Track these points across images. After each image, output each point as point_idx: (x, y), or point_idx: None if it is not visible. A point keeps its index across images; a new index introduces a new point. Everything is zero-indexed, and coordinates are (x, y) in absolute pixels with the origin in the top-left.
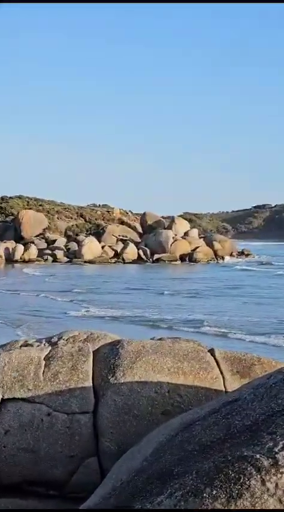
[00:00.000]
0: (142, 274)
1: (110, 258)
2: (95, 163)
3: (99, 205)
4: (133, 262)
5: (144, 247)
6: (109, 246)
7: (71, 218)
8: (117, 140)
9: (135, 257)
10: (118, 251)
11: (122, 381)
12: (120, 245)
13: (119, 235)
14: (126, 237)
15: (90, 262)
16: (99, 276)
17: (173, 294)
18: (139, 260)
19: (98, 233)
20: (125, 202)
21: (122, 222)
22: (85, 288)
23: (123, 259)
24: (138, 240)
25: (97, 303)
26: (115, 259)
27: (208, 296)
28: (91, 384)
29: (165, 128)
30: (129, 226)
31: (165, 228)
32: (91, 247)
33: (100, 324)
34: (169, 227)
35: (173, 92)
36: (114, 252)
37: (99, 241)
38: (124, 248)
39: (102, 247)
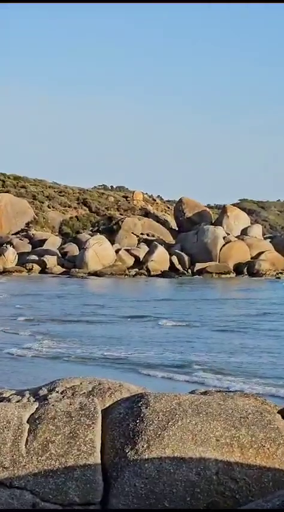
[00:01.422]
0: (175, 295)
1: (128, 269)
2: (106, 125)
3: (112, 187)
4: (163, 274)
5: (179, 252)
6: (127, 250)
7: (70, 207)
8: (135, 91)
9: (166, 267)
10: (141, 258)
11: (146, 457)
12: (144, 249)
13: (142, 234)
14: (153, 236)
15: (98, 274)
16: (110, 299)
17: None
18: (172, 271)
19: (110, 230)
20: (151, 184)
21: (147, 214)
22: (77, 338)
23: (148, 271)
24: (171, 240)
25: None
26: (136, 270)
27: None
28: (99, 461)
29: (210, 78)
30: (157, 220)
31: (212, 224)
32: (99, 251)
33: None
34: (219, 222)
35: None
36: (134, 259)
37: (112, 242)
38: (149, 253)
39: (117, 251)
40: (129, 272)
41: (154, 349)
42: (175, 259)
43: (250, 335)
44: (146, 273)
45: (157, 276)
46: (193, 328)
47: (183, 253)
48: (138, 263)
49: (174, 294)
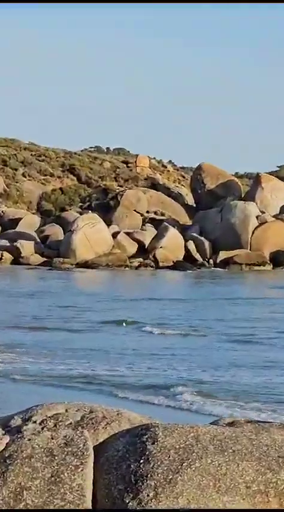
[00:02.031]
0: (190, 293)
1: (129, 259)
2: (100, 65)
3: (108, 150)
4: (176, 266)
5: (197, 236)
6: (128, 234)
7: (52, 176)
8: (138, 18)
9: (180, 256)
10: (147, 244)
11: (153, 508)
12: (151, 232)
13: (148, 212)
14: (163, 214)
15: (89, 265)
16: (100, 299)
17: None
18: (187, 262)
19: (106, 207)
20: (160, 145)
21: (155, 185)
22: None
23: (156, 261)
24: (187, 221)
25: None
26: (140, 260)
27: None
28: None
29: None
30: (169, 193)
31: (241, 198)
32: (91, 235)
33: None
34: (251, 196)
35: None
36: (137, 246)
37: (108, 223)
38: (158, 238)
39: (114, 235)
40: (131, 263)
41: (136, 365)
42: (191, 245)
43: (278, 349)
44: (153, 264)
45: (167, 267)
46: (202, 337)
47: (202, 238)
48: (143, 251)
49: (187, 292)
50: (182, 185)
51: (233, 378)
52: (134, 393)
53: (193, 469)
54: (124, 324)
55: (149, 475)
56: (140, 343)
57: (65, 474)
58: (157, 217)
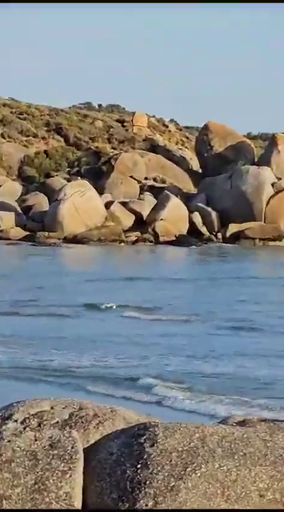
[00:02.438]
0: (193, 272)
1: (125, 232)
2: (91, 12)
3: (100, 107)
4: (179, 241)
5: (204, 206)
6: (124, 204)
7: (35, 137)
8: None
9: (183, 229)
10: (145, 216)
11: None
12: (150, 201)
13: (147, 179)
14: (164, 182)
15: (78, 240)
16: (88, 279)
17: None
18: (192, 236)
19: (98, 172)
20: (160, 102)
21: (154, 147)
22: None
23: (156, 235)
24: (192, 189)
25: None
26: (137, 233)
27: None
28: None
29: None
30: (171, 157)
31: (253, 163)
32: (81, 205)
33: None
34: (265, 160)
35: None
36: (133, 218)
37: (100, 192)
38: (158, 208)
39: (108, 205)
40: (127, 237)
41: (111, 355)
42: (197, 217)
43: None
44: (153, 239)
45: (169, 243)
46: (200, 323)
47: (209, 209)
48: (141, 223)
49: (191, 271)
50: (186, 147)
51: (233, 370)
52: (103, 386)
53: (199, 474)
54: (104, 306)
55: (148, 482)
56: (123, 330)
57: (51, 481)
58: (157, 184)
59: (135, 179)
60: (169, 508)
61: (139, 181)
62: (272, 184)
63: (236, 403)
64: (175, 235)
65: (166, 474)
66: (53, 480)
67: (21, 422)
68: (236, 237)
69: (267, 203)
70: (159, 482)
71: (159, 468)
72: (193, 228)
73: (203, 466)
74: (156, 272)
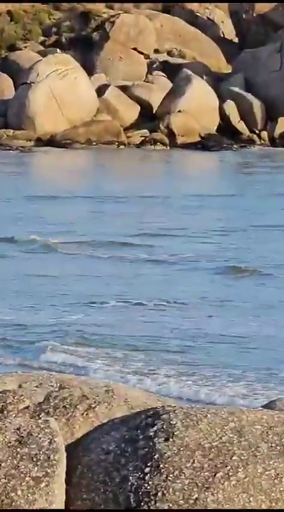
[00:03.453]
0: (236, 189)
1: (126, 130)
2: None
3: None
4: (205, 143)
5: (242, 92)
6: (124, 89)
7: None
8: None
9: (212, 126)
10: (155, 107)
11: None
12: (162, 85)
13: (158, 51)
14: (182, 56)
15: (57, 143)
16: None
17: None
18: (224, 135)
19: (86, 42)
20: None
21: (168, 11)
22: None
23: (171, 135)
24: (224, 67)
25: None
26: (144, 132)
27: None
28: None
29: None
30: (193, 20)
31: None
32: (61, 90)
33: None
34: None
35: None
36: (138, 109)
37: (90, 71)
38: (174, 95)
39: (101, 90)
40: (129, 138)
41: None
42: (231, 108)
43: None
44: (166, 141)
45: (190, 146)
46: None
47: (249, 96)
48: (149, 118)
49: (222, 188)
50: (215, 6)
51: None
52: None
53: (234, 482)
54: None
55: (160, 494)
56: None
57: (18, 493)
58: (173, 60)
59: (140, 53)
60: (170, 508)
61: (146, 56)
62: None
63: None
64: (200, 135)
65: (187, 482)
66: (22, 491)
67: None
68: None
69: None
70: (177, 493)
71: (176, 473)
72: (226, 125)
73: (241, 469)
74: (163, 190)
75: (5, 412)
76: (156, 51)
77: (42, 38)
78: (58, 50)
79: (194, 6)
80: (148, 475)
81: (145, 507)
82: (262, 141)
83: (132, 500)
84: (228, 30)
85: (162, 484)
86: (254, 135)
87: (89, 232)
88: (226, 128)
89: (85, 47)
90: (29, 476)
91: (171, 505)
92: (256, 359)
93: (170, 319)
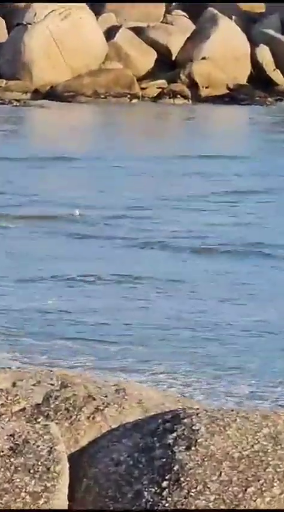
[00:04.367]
0: (267, 152)
1: (140, 81)
2: None
3: None
4: (234, 96)
5: (279, 36)
6: (137, 32)
7: None
8: None
9: (242, 77)
10: (174, 53)
11: None
12: (184, 26)
13: None
14: None
15: (59, 96)
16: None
17: None
18: (257, 87)
19: None
20: None
21: None
22: None
23: (193, 87)
24: (256, 7)
25: None
26: (161, 83)
27: None
28: None
29: None
30: None
31: None
32: (62, 34)
33: None
34: None
35: None
36: (154, 56)
37: (98, 11)
38: (197, 39)
39: (110, 33)
40: (143, 89)
41: None
42: (264, 54)
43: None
44: (187, 93)
45: (214, 99)
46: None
47: None
48: (167, 66)
49: (255, 152)
50: None
51: None
52: None
53: (268, 499)
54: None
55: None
56: None
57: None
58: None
59: None
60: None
61: None
62: None
63: None
64: (228, 87)
65: (213, 498)
66: (17, 509)
67: None
68: None
69: None
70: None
71: (199, 488)
72: (258, 74)
73: (276, 484)
74: (182, 150)
75: None
76: None
77: None
78: None
79: None
80: (167, 489)
81: None
82: None
83: None
84: None
85: (183, 500)
86: None
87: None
88: (258, 77)
89: None
90: (25, 491)
91: None
92: None
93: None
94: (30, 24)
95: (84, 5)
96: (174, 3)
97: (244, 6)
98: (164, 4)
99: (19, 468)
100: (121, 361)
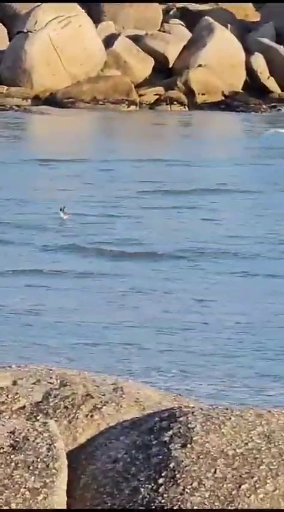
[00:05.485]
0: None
1: (137, 88)
2: None
3: None
4: (229, 103)
5: (273, 44)
6: (135, 40)
7: None
8: None
9: (237, 84)
10: (171, 60)
11: None
12: (181, 34)
13: None
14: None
15: (59, 102)
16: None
17: None
18: (251, 94)
19: None
20: None
21: None
22: None
23: (189, 94)
24: (251, 14)
25: None
26: (158, 91)
27: None
28: None
29: None
30: None
31: None
32: (62, 41)
33: None
34: None
35: None
36: (152, 63)
37: (97, 19)
38: (194, 46)
39: (109, 41)
40: (141, 96)
41: None
42: (259, 62)
43: None
44: (184, 100)
45: (212, 106)
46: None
47: (280, 48)
48: (164, 73)
49: (247, 157)
50: None
51: None
52: None
53: (262, 495)
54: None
55: (176, 508)
56: None
57: (13, 506)
58: (193, 6)
59: None
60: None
61: (161, 1)
62: None
63: None
64: (223, 94)
65: (208, 495)
66: (17, 505)
67: None
68: None
69: None
70: (195, 508)
71: (195, 485)
72: (253, 82)
73: (269, 480)
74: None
75: None
76: None
77: None
78: None
79: None
80: (163, 486)
81: None
82: None
83: None
84: None
85: (179, 497)
86: None
87: None
88: (253, 85)
89: None
90: (25, 487)
91: None
92: None
93: None
94: (31, 32)
95: (83, 12)
96: (171, 13)
97: (239, 15)
98: (161, 12)
99: (19, 465)
100: None
